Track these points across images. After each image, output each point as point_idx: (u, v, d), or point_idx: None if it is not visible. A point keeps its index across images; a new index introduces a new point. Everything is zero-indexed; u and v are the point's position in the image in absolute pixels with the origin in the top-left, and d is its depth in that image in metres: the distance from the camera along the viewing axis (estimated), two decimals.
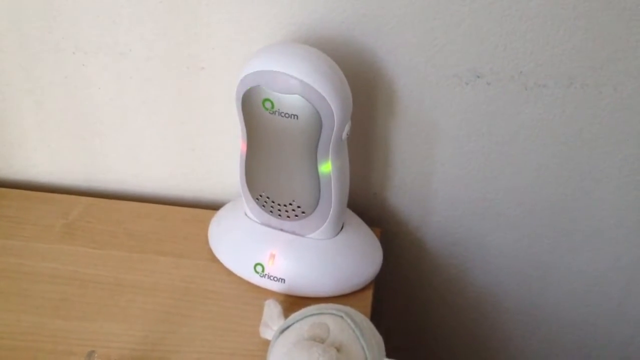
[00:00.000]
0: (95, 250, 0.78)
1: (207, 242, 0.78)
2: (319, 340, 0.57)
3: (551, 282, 0.88)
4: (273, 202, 0.70)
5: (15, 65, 0.80)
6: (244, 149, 0.69)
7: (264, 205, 0.71)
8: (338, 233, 0.73)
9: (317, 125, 0.63)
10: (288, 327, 0.60)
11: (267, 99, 0.62)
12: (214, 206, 0.84)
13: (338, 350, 0.56)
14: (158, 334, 0.68)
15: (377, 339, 0.61)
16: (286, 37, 0.73)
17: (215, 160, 0.84)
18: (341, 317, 0.59)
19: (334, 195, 0.68)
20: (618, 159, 0.76)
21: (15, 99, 0.83)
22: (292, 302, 0.71)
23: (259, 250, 0.73)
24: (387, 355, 0.60)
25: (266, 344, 0.62)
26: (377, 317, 0.72)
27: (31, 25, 0.77)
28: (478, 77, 0.72)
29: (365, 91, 0.75)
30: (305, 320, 0.60)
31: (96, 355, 0.62)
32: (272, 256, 0.72)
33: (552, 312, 0.91)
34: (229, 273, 0.75)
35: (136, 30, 0.75)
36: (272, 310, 0.64)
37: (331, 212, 0.70)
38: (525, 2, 0.67)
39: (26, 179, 0.90)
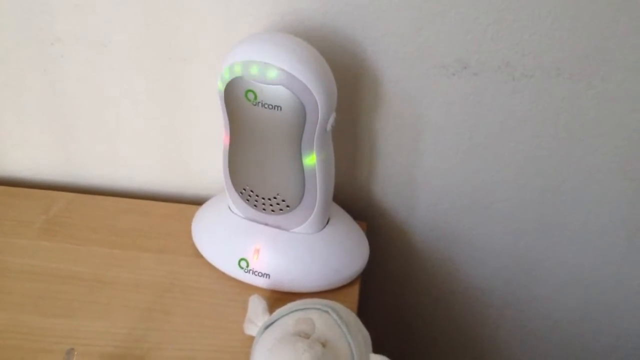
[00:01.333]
0: (76, 246, 0.77)
1: (190, 238, 0.77)
2: (304, 335, 0.56)
3: (539, 276, 0.88)
4: (257, 195, 0.69)
5: None
6: (227, 141, 0.68)
7: (247, 199, 0.70)
8: (324, 227, 0.72)
9: (301, 116, 0.62)
10: (273, 322, 0.59)
11: (249, 90, 0.61)
12: (198, 201, 0.83)
13: (324, 345, 0.56)
14: (140, 331, 0.67)
15: (363, 334, 0.60)
16: (269, 28, 0.72)
17: (198, 153, 0.83)
18: (327, 312, 0.59)
19: (319, 189, 0.67)
20: (606, 150, 0.75)
21: None
22: (278, 298, 0.70)
23: (243, 245, 0.72)
24: (374, 351, 0.59)
25: (251, 340, 0.62)
26: (364, 311, 0.71)
27: (7, 16, 0.76)
28: (464, 67, 0.71)
29: (350, 82, 0.74)
30: (291, 316, 0.59)
31: (75, 353, 0.61)
32: (257, 251, 0.71)
33: (539, 307, 0.91)
34: (213, 269, 0.74)
35: (117, 21, 0.74)
36: (256, 306, 0.63)
37: (316, 206, 0.69)
38: None
39: (5, 174, 0.89)
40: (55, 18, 0.75)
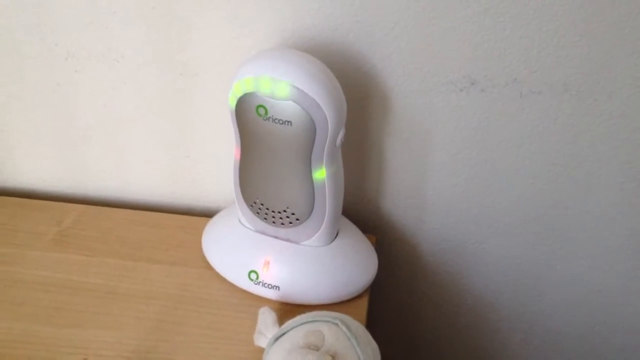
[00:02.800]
0: (88, 257, 0.77)
1: (200, 250, 0.78)
2: (313, 347, 0.57)
3: (546, 289, 0.88)
4: (267, 209, 0.70)
5: (6, 71, 0.80)
6: (238, 155, 0.68)
7: (258, 212, 0.71)
8: (333, 240, 0.73)
9: (311, 131, 0.62)
10: (282, 334, 0.60)
11: (260, 105, 0.62)
12: (208, 213, 0.84)
13: (333, 358, 0.56)
14: (151, 342, 0.67)
15: (372, 346, 0.60)
16: (279, 43, 0.73)
17: (209, 166, 0.84)
18: (336, 324, 0.59)
19: (328, 202, 0.68)
20: (613, 166, 0.76)
21: (6, 105, 0.83)
22: (287, 310, 0.70)
23: (253, 257, 0.72)
24: None
25: (261, 351, 0.62)
26: (373, 324, 0.72)
27: (23, 31, 0.77)
28: (472, 84, 0.72)
29: (360, 97, 0.75)
30: (300, 328, 0.59)
31: None
32: (267, 263, 0.72)
33: (547, 320, 0.91)
34: (223, 280, 0.74)
35: (129, 36, 0.75)
36: (266, 318, 0.64)
37: (325, 219, 0.69)
38: (519, 8, 0.67)
39: (18, 186, 0.90)
40: (69, 34, 0.76)
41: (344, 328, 0.58)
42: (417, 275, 0.90)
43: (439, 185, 0.81)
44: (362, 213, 0.84)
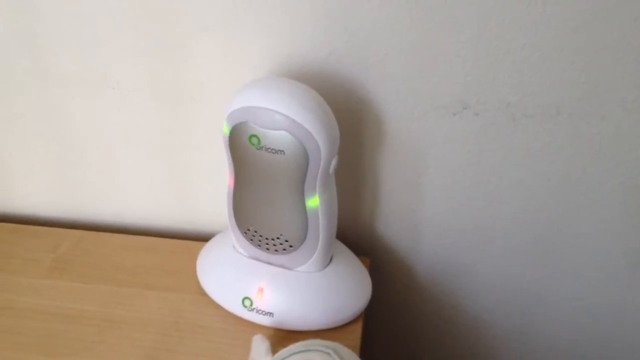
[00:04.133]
0: (83, 284, 0.77)
1: (195, 275, 0.78)
2: None
3: (542, 309, 0.88)
4: (261, 236, 0.70)
5: (1, 97, 0.80)
6: (232, 183, 0.68)
7: (251, 239, 0.71)
8: (327, 265, 0.73)
9: (304, 160, 0.62)
10: None
11: (253, 135, 0.62)
12: (204, 237, 0.84)
13: None
14: None
15: None
16: (274, 70, 0.73)
17: (204, 191, 0.84)
18: (329, 354, 0.59)
19: (321, 229, 0.68)
20: (607, 188, 0.76)
21: (1, 130, 0.83)
22: (281, 336, 0.71)
23: (247, 284, 0.72)
24: None
25: None
26: (367, 347, 0.72)
27: (16, 56, 0.77)
28: (465, 108, 0.72)
29: (353, 123, 0.75)
30: (292, 358, 0.59)
31: None
32: (261, 290, 0.72)
33: (543, 340, 0.91)
34: (217, 307, 0.74)
35: (123, 63, 0.75)
36: (259, 346, 0.64)
37: (319, 246, 0.69)
38: (511, 34, 0.67)
39: (13, 212, 0.90)
40: (63, 59, 0.76)
41: (336, 357, 0.58)
42: (412, 297, 0.90)
43: (433, 208, 0.81)
44: (356, 235, 0.84)
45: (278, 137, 0.61)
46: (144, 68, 0.75)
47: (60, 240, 0.84)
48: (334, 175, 0.68)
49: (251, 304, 0.72)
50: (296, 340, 0.62)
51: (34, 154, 0.85)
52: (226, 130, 0.64)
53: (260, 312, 0.72)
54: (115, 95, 0.78)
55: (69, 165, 0.85)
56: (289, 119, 0.60)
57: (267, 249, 0.71)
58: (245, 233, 0.71)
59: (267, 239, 0.70)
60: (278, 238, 0.69)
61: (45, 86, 0.79)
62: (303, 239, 0.69)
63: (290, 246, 0.69)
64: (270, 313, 0.71)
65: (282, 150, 0.62)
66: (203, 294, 0.76)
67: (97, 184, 0.86)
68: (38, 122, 0.82)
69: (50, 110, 0.80)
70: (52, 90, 0.79)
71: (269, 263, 0.72)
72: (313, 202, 0.66)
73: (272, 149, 0.62)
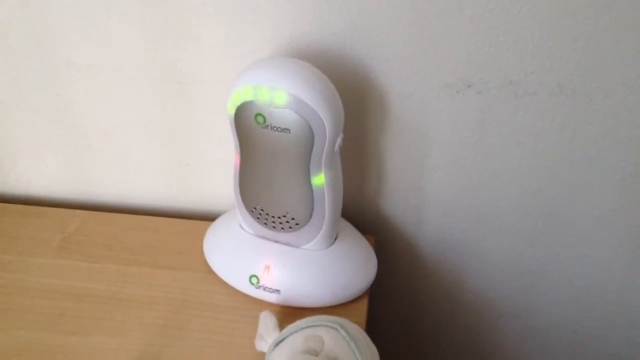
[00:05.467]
0: (91, 264, 0.78)
1: (202, 254, 0.79)
2: (313, 353, 0.57)
3: (545, 287, 0.88)
4: (267, 214, 0.71)
5: (7, 82, 0.81)
6: (238, 162, 0.69)
7: (258, 218, 0.72)
8: (332, 243, 0.74)
9: (309, 138, 0.63)
10: (282, 339, 0.60)
11: (259, 114, 0.63)
12: (210, 217, 0.84)
13: None
14: (155, 347, 0.68)
15: (372, 350, 0.61)
16: (277, 51, 0.73)
17: (210, 172, 0.85)
18: (335, 329, 0.59)
19: (327, 207, 0.69)
20: (610, 165, 0.76)
21: (7, 115, 0.84)
22: (288, 313, 0.71)
23: (254, 261, 0.73)
24: None
25: (262, 356, 0.63)
26: (373, 325, 0.72)
27: (23, 41, 0.77)
28: (468, 86, 0.72)
29: (357, 102, 0.75)
30: (300, 333, 0.60)
31: None
32: (267, 267, 0.72)
33: (546, 318, 0.91)
34: (225, 285, 0.75)
35: (128, 46, 0.76)
36: (267, 323, 0.64)
37: (325, 223, 0.70)
38: (514, 13, 0.67)
39: (21, 193, 0.91)
40: (69, 44, 0.76)
41: (343, 332, 0.59)
42: (417, 274, 0.90)
43: (438, 186, 0.81)
44: (361, 214, 0.85)
45: (283, 115, 0.62)
46: (147, 50, 0.75)
47: (68, 220, 0.85)
48: (339, 154, 0.68)
49: (258, 282, 0.73)
50: (302, 317, 0.63)
51: (41, 137, 0.85)
52: (231, 109, 0.64)
53: (267, 289, 0.72)
54: (121, 78, 0.78)
55: (75, 147, 0.85)
56: (294, 97, 0.61)
57: (274, 227, 0.71)
58: (252, 212, 0.72)
59: (273, 217, 0.71)
60: (284, 216, 0.70)
61: (53, 71, 0.79)
62: (309, 216, 0.69)
63: (297, 224, 0.70)
64: (277, 290, 0.72)
65: (288, 129, 0.63)
66: (210, 272, 0.77)
67: (104, 165, 0.86)
68: (45, 106, 0.82)
69: (56, 95, 0.81)
70: (59, 75, 0.79)
71: (275, 241, 0.73)
72: (319, 179, 0.66)
73: (277, 128, 0.63)
